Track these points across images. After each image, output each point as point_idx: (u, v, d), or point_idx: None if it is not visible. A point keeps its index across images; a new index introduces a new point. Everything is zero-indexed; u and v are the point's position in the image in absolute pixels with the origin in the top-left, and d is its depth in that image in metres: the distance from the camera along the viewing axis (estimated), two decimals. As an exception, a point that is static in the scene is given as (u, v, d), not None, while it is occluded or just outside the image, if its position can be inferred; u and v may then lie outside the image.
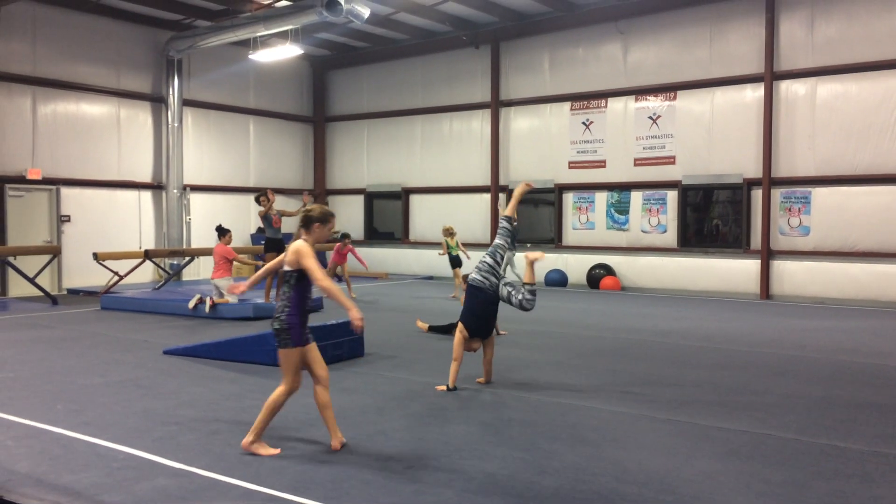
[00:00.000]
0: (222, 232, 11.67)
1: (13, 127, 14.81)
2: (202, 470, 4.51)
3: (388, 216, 20.38)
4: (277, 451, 4.83)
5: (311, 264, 4.64)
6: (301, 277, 4.72)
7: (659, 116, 15.71)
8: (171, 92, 17.14)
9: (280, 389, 4.79)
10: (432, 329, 9.82)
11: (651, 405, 6.14)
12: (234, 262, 11.69)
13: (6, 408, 5.95)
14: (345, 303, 4.65)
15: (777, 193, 14.42)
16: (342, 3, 13.50)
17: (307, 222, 4.86)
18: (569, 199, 17.04)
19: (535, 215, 18.10)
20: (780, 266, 14.41)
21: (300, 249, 4.70)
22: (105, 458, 4.73)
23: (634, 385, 6.92)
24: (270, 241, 12.34)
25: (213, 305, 11.23)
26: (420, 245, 19.25)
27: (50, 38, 15.36)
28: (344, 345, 8.02)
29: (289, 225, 19.12)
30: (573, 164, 16.89)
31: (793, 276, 14.29)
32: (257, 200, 12.31)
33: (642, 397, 6.42)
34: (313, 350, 4.86)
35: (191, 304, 11.40)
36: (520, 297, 6.47)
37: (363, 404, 6.15)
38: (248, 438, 4.82)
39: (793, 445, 5.07)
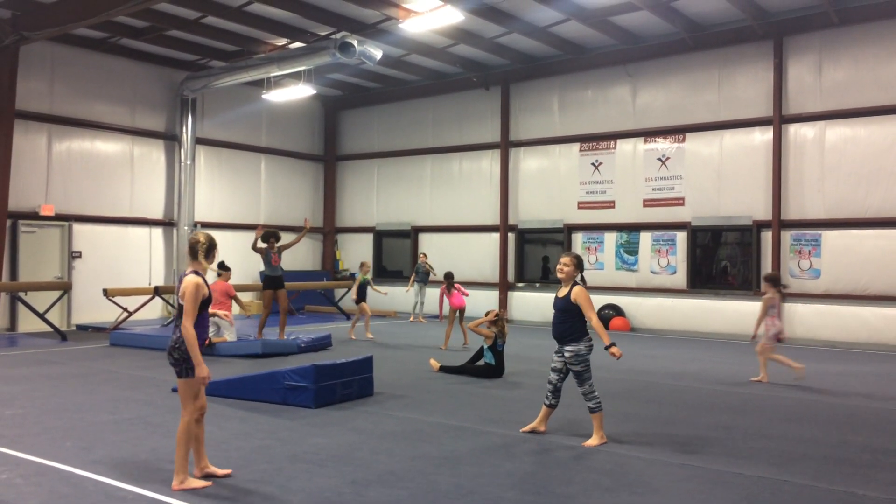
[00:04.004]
0: (225, 268, 11.75)
1: (28, 164, 14.97)
2: (212, 510, 4.47)
3: (396, 254, 20.42)
4: (209, 483, 4.89)
5: (187, 307, 4.81)
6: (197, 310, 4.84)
7: (668, 158, 15.78)
8: (184, 130, 17.35)
9: (185, 420, 4.88)
10: (443, 369, 9.78)
11: (665, 449, 6.07)
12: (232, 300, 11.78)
13: (16, 445, 5.92)
14: (195, 357, 4.79)
15: (787, 236, 14.40)
16: (355, 44, 13.71)
17: (194, 253, 5.11)
18: (578, 239, 17.05)
19: (544, 255, 18.11)
20: (791, 309, 14.31)
21: (184, 288, 4.85)
22: (114, 498, 4.69)
23: (647, 428, 6.84)
24: (269, 278, 12.31)
25: (211, 343, 11.10)
26: (430, 283, 19.19)
27: (67, 77, 15.62)
28: (354, 384, 7.98)
29: (290, 262, 19.15)
30: (582, 205, 16.95)
31: (804, 319, 14.19)
32: (266, 239, 12.16)
33: (656, 441, 6.35)
34: None
35: None
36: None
37: (373, 445, 6.09)
38: (176, 480, 4.85)
39: (810, 492, 4.99)
